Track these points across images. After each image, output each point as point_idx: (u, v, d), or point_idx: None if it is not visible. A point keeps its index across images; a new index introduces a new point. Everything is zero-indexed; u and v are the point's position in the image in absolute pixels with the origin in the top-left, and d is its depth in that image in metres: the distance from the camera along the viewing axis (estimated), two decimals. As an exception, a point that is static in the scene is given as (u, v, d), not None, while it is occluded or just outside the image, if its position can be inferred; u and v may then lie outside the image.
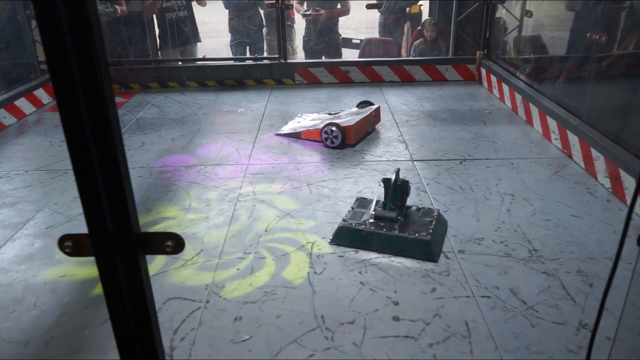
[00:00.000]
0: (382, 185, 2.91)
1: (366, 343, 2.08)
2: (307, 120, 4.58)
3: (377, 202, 2.92)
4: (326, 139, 4.09)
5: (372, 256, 2.65)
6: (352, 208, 3.00)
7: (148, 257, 1.00)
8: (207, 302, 2.34)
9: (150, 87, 6.00)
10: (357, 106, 4.66)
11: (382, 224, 2.77)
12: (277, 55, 6.01)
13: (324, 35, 6.33)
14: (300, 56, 6.61)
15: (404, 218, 2.82)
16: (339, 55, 6.50)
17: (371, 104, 4.61)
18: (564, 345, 2.04)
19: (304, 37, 6.44)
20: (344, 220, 2.85)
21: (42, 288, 2.48)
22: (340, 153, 4.00)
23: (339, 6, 6.33)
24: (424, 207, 2.98)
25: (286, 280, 2.48)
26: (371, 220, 2.79)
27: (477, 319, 2.19)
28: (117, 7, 5.68)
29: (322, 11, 6.18)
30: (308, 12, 6.19)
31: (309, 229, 2.92)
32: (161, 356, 1.06)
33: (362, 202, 3.05)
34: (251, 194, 3.37)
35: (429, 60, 6.04)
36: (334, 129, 4.04)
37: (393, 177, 2.84)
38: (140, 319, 1.00)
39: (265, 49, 6.47)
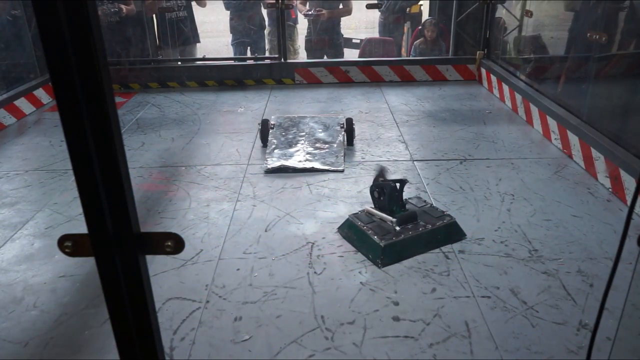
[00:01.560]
0: (379, 191, 2.84)
1: (366, 343, 2.07)
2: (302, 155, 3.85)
3: (374, 208, 2.88)
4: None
5: (372, 256, 2.65)
6: (366, 225, 2.73)
7: (148, 257, 1.00)
8: (207, 302, 2.34)
9: (150, 87, 6.00)
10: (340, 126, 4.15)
11: (409, 225, 2.73)
12: (277, 55, 6.01)
13: (326, 36, 6.32)
14: (302, 56, 6.60)
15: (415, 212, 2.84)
16: (341, 55, 6.50)
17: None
18: (564, 346, 2.04)
19: (306, 37, 6.44)
20: (382, 238, 2.60)
21: (42, 288, 2.48)
22: (340, 153, 4.00)
23: (340, 6, 6.33)
24: (411, 198, 3.07)
25: (286, 280, 2.48)
26: (398, 228, 2.70)
27: (477, 319, 2.19)
28: (122, 6, 5.67)
29: (324, 11, 6.18)
30: (310, 12, 6.19)
31: (309, 229, 2.92)
32: (161, 356, 1.06)
33: (364, 217, 2.82)
34: (251, 194, 3.37)
35: (429, 60, 6.03)
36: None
37: (389, 177, 2.86)
38: (140, 319, 1.00)
39: (267, 49, 6.47)
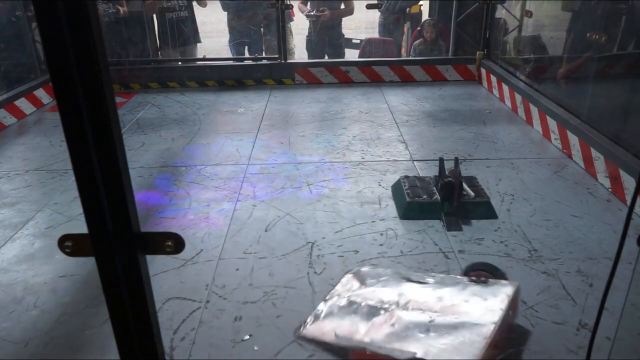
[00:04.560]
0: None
1: (366, 343, 2.07)
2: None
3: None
4: None
5: (372, 256, 2.65)
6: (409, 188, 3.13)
7: (148, 257, 1.00)
8: (207, 302, 2.34)
9: (150, 87, 6.00)
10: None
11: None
12: (277, 55, 6.01)
13: (328, 36, 6.32)
14: (298, 56, 6.60)
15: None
16: (342, 55, 6.49)
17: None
18: (564, 345, 2.04)
19: (307, 37, 6.44)
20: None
21: (42, 288, 2.48)
22: (340, 153, 4.00)
23: (342, 6, 6.33)
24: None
25: (286, 280, 2.48)
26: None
27: (477, 319, 2.19)
28: (119, 7, 5.69)
29: (326, 11, 6.17)
30: (312, 13, 6.18)
31: (309, 229, 2.92)
32: (161, 356, 1.06)
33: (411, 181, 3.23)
34: (251, 194, 3.37)
35: (429, 60, 6.04)
36: None
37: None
38: (140, 319, 1.00)
39: (263, 49, 6.47)
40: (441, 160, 3.18)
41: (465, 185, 3.10)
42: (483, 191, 3.13)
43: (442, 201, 2.99)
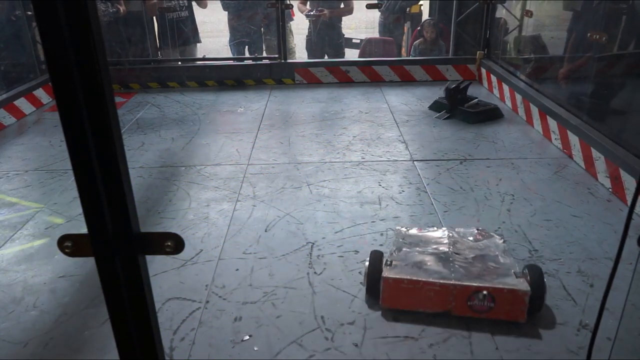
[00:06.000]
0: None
1: (366, 344, 2.07)
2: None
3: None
4: None
5: (372, 256, 2.65)
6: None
7: (148, 257, 1.00)
8: (207, 302, 2.34)
9: (150, 87, 6.00)
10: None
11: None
12: (277, 55, 6.00)
13: (328, 36, 6.31)
14: (299, 56, 6.60)
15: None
16: (342, 55, 6.49)
17: None
18: (564, 346, 2.04)
19: (307, 36, 6.43)
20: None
21: (41, 288, 2.48)
22: (340, 153, 4.00)
23: (342, 6, 6.32)
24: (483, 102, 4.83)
25: (286, 280, 2.48)
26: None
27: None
28: (119, 6, 5.69)
29: (325, 11, 6.17)
30: (312, 13, 6.17)
31: (309, 229, 2.92)
32: (161, 356, 1.06)
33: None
34: (251, 194, 3.37)
35: (429, 60, 6.03)
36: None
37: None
38: (140, 319, 1.00)
39: (263, 49, 6.47)
40: (463, 82, 4.91)
41: (469, 101, 4.77)
42: (485, 109, 4.69)
43: (447, 103, 4.76)
